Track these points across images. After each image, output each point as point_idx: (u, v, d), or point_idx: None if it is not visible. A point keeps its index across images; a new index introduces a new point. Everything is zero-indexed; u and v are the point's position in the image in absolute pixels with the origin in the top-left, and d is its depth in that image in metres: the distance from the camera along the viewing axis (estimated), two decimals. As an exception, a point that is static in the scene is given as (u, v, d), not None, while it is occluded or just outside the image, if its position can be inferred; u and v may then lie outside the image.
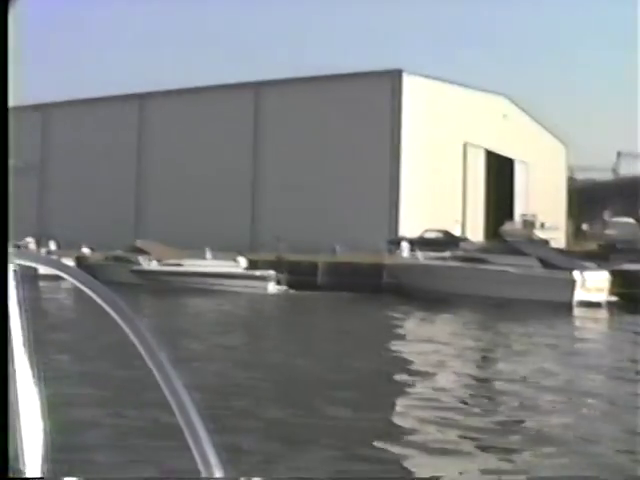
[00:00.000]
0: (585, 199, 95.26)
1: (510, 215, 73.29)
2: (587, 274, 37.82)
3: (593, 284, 37.77)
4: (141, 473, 9.17)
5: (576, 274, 37.44)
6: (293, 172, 61.75)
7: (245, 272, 46.15)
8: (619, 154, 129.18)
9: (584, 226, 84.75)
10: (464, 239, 56.19)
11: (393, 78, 60.20)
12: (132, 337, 1.65)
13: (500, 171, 72.62)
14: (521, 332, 27.86)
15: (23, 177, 57.53)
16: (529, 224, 62.14)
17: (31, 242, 55.14)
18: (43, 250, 52.78)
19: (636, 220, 69.17)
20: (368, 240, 52.30)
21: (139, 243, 52.12)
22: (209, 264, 47.05)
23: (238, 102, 64.97)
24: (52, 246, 56.38)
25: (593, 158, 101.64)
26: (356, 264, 47.45)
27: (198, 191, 64.42)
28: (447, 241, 52.45)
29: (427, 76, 62.42)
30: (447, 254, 42.91)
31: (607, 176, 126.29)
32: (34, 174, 69.77)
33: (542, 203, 76.08)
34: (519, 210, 75.04)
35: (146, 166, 68.30)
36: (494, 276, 38.66)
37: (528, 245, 45.19)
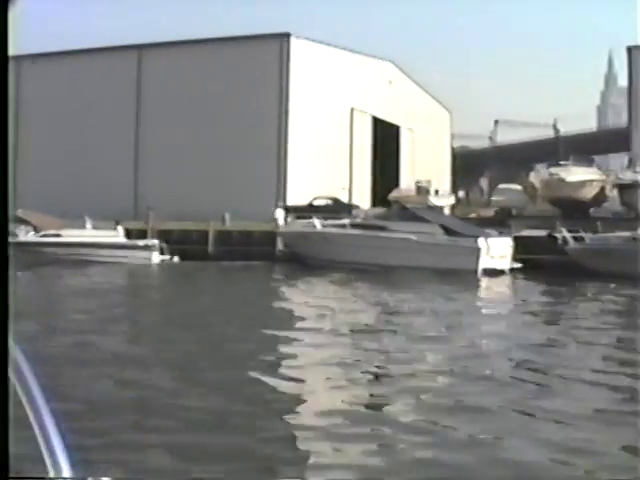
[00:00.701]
0: (460, 166, 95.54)
1: (396, 182, 72.56)
2: (491, 241, 37.07)
3: (497, 251, 37.09)
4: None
5: (481, 241, 36.64)
6: (179, 138, 59.23)
7: (127, 242, 44.03)
8: (496, 122, 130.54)
9: (460, 193, 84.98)
10: (355, 206, 55.14)
11: (281, 42, 58.23)
12: None
13: (386, 137, 71.55)
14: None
15: None
16: (424, 190, 61.25)
17: None
18: None
19: (523, 187, 69.32)
20: (257, 208, 50.77)
21: (20, 213, 48.96)
22: (89, 234, 44.62)
23: (120, 65, 61.89)
24: None
25: (469, 126, 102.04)
26: (248, 232, 45.97)
27: (79, 156, 61.41)
28: (337, 208, 51.26)
29: (314, 40, 60.77)
30: (346, 221, 41.55)
31: (483, 144, 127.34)
32: None
33: (428, 169, 75.64)
34: (405, 177, 74.43)
35: (24, 129, 64.74)
36: (396, 244, 37.48)
37: (429, 212, 44.28)
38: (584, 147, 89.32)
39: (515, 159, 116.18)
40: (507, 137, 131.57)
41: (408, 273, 34.93)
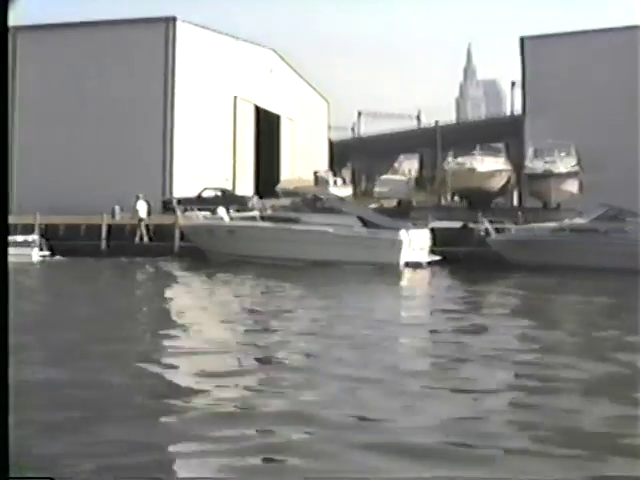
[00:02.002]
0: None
1: (277, 173, 70.73)
2: (411, 233, 35.71)
3: (417, 244, 35.76)
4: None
5: (402, 233, 35.22)
6: (59, 127, 55.36)
7: None
8: (359, 113, 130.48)
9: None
10: (249, 197, 53.04)
11: (167, 25, 55.30)
12: None
13: (267, 127, 69.46)
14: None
15: None
16: (323, 180, 59.60)
17: None
18: None
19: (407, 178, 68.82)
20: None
21: None
22: None
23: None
24: None
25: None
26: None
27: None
28: (228, 200, 48.95)
29: (199, 25, 58.23)
30: (255, 213, 39.49)
31: (345, 135, 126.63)
32: None
33: (306, 160, 74.25)
34: (285, 167, 72.64)
35: None
36: (311, 237, 35.70)
37: (344, 203, 42.69)
38: (451, 138, 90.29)
39: (378, 150, 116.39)
40: (370, 129, 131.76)
41: (326, 268, 33.46)
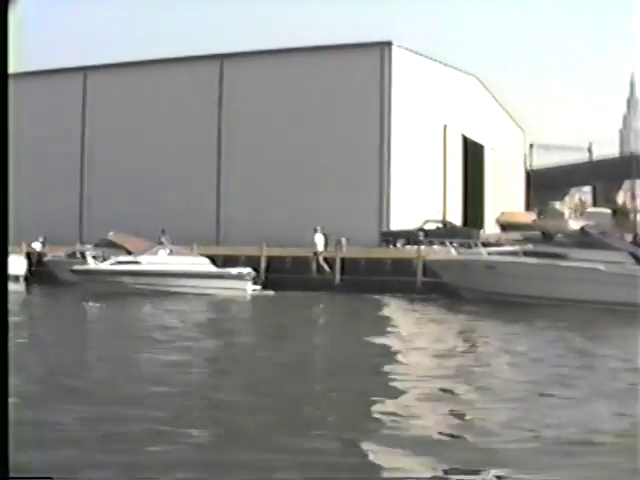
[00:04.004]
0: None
1: (481, 205, 68.02)
2: (692, 272, 32.43)
3: None
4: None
5: (684, 273, 31.98)
6: (267, 157, 54.25)
7: (218, 270, 39.38)
8: (531, 145, 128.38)
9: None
10: (475, 230, 50.62)
11: (382, 51, 53.16)
12: None
13: (473, 157, 66.83)
14: None
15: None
16: (557, 214, 56.91)
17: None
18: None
19: (613, 210, 65.75)
20: (358, 233, 46.30)
21: (111, 236, 44.46)
22: (172, 261, 39.71)
23: (200, 76, 56.67)
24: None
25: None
26: (378, 260, 41.35)
27: (156, 179, 56.21)
28: (451, 233, 46.50)
29: (413, 51, 56.05)
30: (517, 248, 36.70)
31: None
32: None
33: (506, 191, 71.71)
34: (489, 199, 69.89)
35: (94, 150, 59.43)
36: (580, 275, 32.75)
37: (616, 238, 39.61)
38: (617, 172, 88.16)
39: (550, 183, 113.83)
40: (543, 161, 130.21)
41: (599, 310, 30.37)
